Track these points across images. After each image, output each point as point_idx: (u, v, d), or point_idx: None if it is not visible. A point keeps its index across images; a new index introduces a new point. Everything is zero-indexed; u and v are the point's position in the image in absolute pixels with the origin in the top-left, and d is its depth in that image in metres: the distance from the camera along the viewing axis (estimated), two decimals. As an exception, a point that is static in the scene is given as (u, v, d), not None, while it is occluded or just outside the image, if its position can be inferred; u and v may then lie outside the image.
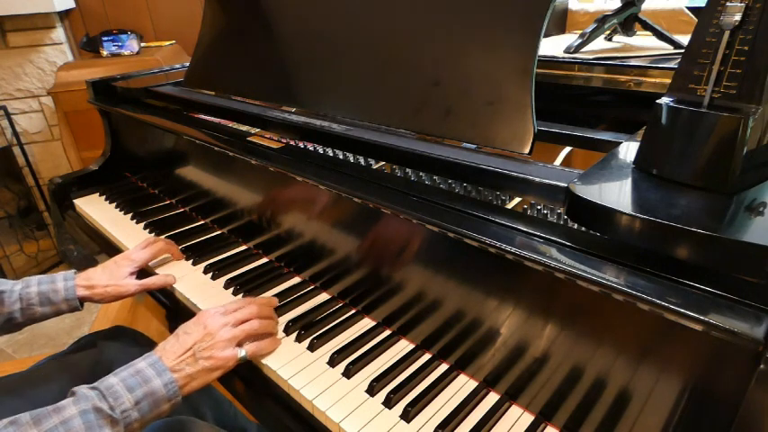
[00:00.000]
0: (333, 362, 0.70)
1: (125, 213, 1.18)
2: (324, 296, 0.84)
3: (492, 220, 0.60)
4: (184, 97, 1.15)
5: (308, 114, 0.94)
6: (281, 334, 0.76)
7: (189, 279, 0.92)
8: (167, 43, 2.35)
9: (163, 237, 1.04)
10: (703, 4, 0.49)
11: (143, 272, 0.93)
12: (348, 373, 0.68)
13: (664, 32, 1.10)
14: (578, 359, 0.55)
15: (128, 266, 0.88)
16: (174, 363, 0.64)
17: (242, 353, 0.69)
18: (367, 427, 0.61)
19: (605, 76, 0.97)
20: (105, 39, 2.18)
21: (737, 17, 0.46)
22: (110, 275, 0.86)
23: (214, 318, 0.70)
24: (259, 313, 0.74)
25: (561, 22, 1.61)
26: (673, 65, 0.94)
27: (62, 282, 0.82)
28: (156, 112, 1.15)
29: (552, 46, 1.20)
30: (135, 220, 1.14)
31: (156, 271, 0.94)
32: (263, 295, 0.85)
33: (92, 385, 0.59)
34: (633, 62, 0.97)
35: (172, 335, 0.69)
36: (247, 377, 0.73)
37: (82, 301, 0.83)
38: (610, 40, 1.22)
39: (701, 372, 0.46)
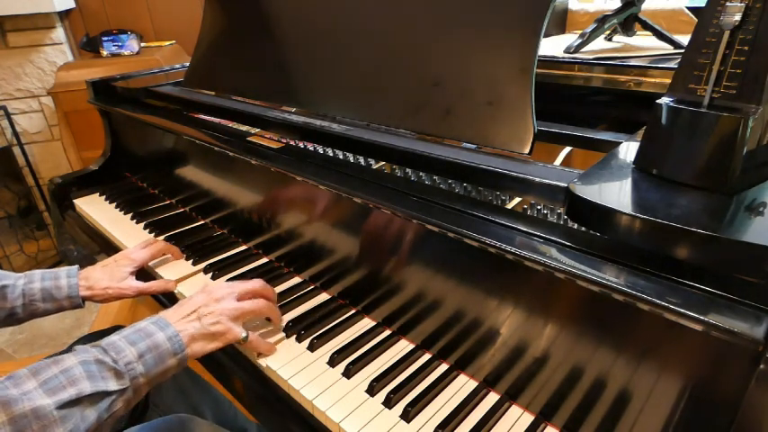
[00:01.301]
0: (333, 362, 0.70)
1: (125, 213, 1.18)
2: (324, 296, 0.84)
3: (492, 220, 0.60)
4: (184, 97, 1.15)
5: (308, 114, 0.94)
6: (281, 334, 0.76)
7: (189, 279, 0.92)
8: (167, 43, 2.36)
9: (163, 237, 1.04)
10: (703, 4, 0.49)
11: (142, 272, 0.93)
12: (348, 373, 0.68)
13: (664, 32, 1.10)
14: (578, 359, 0.55)
15: (128, 266, 0.88)
16: (176, 321, 0.64)
17: (244, 333, 0.68)
18: (367, 427, 0.61)
19: (605, 76, 0.97)
20: (105, 39, 2.18)
21: (737, 17, 0.46)
22: (110, 276, 0.86)
23: (219, 286, 0.71)
24: (264, 291, 0.74)
25: (561, 22, 1.61)
26: (673, 65, 0.94)
27: (65, 279, 0.82)
28: (155, 112, 1.15)
29: (552, 46, 1.20)
30: (135, 220, 1.14)
31: (157, 271, 0.94)
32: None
33: (92, 343, 0.59)
34: (633, 62, 0.97)
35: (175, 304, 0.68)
36: (247, 377, 0.73)
37: (84, 299, 0.83)
38: (610, 40, 1.22)
39: (701, 372, 0.46)
